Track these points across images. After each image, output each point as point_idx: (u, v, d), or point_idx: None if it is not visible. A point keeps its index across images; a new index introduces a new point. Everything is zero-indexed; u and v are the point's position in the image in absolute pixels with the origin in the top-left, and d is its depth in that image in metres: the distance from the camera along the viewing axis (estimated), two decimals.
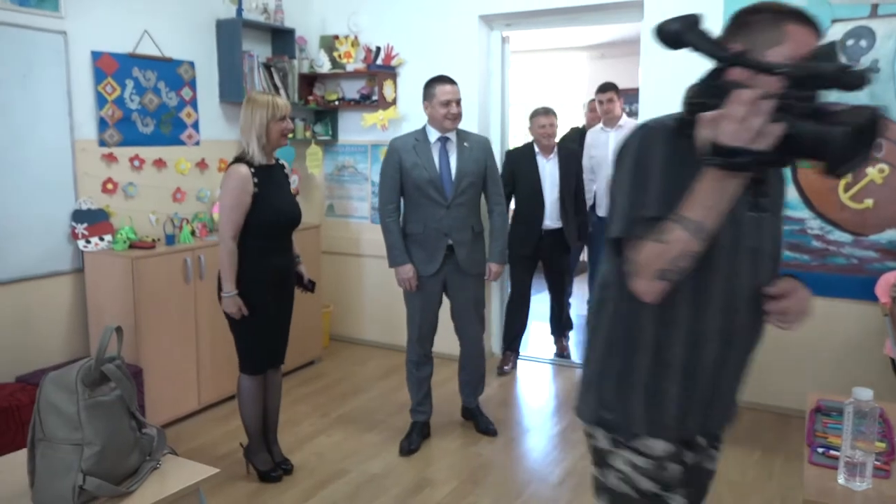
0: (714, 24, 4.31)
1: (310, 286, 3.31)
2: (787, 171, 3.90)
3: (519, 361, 4.92)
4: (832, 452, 1.78)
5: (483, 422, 3.74)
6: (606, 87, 5.11)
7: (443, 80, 3.38)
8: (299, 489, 3.17)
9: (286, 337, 3.27)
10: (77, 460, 1.61)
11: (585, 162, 5.07)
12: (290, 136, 4.90)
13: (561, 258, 4.78)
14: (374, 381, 4.49)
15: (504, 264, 3.68)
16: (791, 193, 3.92)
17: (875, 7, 3.68)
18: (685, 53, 4.57)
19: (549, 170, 4.58)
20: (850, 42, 3.74)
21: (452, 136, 3.41)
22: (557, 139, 4.74)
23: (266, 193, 2.97)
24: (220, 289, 3.00)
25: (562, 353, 5.06)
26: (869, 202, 3.77)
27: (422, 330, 3.51)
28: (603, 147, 5.04)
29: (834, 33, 3.76)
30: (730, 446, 3.60)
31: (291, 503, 3.06)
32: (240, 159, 2.97)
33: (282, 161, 3.21)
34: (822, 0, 3.76)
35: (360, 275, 5.17)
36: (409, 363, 3.59)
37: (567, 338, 5.19)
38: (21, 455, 1.79)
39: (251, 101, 2.97)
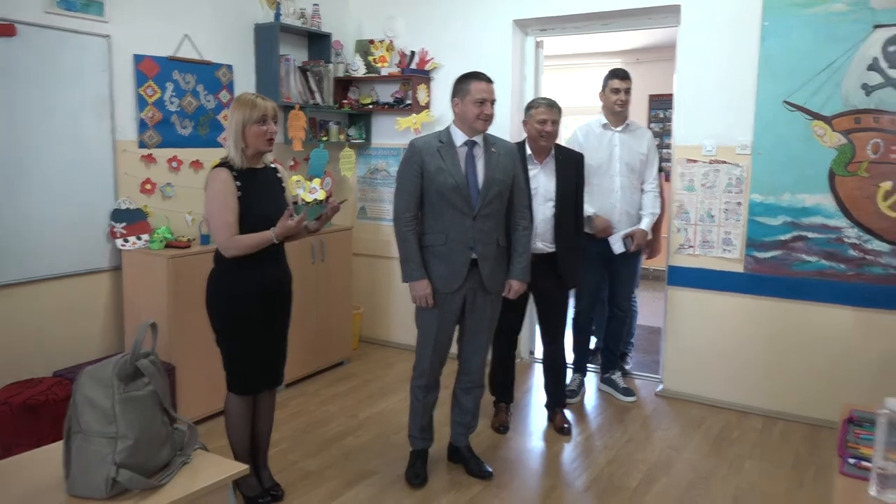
0: (752, 26, 4.24)
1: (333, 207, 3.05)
2: (825, 180, 3.84)
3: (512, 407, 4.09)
4: (864, 464, 1.75)
5: (475, 463, 3.36)
6: (627, 74, 4.17)
7: (479, 76, 3.08)
8: (326, 488, 3.20)
9: (283, 354, 3.04)
10: (111, 453, 1.65)
11: None
12: (324, 138, 5.02)
13: (553, 292, 3.76)
14: (403, 384, 4.50)
15: (526, 283, 3.29)
16: (828, 201, 3.86)
17: None
18: (722, 60, 4.55)
19: (542, 178, 3.65)
20: (891, 48, 3.67)
21: (480, 139, 3.13)
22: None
23: (251, 198, 2.78)
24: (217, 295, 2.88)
25: (560, 428, 3.87)
26: None
27: (436, 353, 3.19)
28: (604, 149, 4.11)
29: (876, 38, 3.69)
30: (761, 457, 3.57)
31: (319, 501, 3.09)
32: (222, 163, 2.80)
33: (274, 164, 3.00)
34: (864, 5, 3.70)
35: (391, 277, 5.20)
36: (415, 389, 3.26)
37: (565, 406, 4.01)
38: (56, 448, 1.84)
39: (234, 101, 2.84)
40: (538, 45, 4.90)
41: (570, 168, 3.72)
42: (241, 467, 1.88)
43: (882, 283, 3.77)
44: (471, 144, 3.12)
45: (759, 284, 4.07)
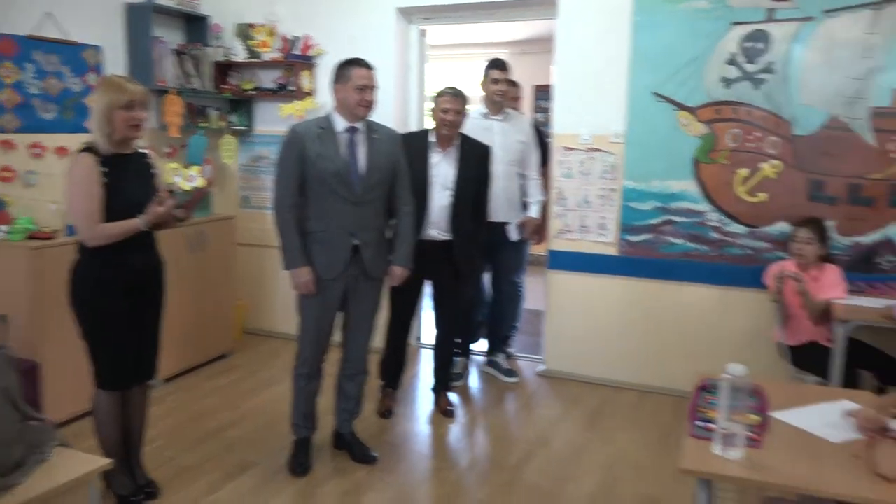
0: (624, 20, 4.41)
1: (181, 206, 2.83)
2: (690, 168, 4.08)
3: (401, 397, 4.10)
4: (710, 426, 1.88)
5: (360, 449, 3.37)
6: (506, 65, 4.22)
7: (359, 63, 3.06)
8: (204, 483, 3.13)
9: (155, 347, 2.94)
10: None
11: None
12: (204, 125, 4.86)
13: (447, 280, 3.79)
14: (288, 374, 4.39)
15: (409, 269, 3.33)
16: (692, 187, 4.10)
17: (771, 11, 3.88)
18: (597, 53, 4.73)
19: (443, 166, 3.67)
20: (747, 44, 3.93)
21: (362, 126, 3.12)
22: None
23: (118, 185, 2.66)
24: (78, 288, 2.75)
25: (445, 411, 3.94)
26: (763, 196, 3.98)
27: (318, 340, 3.18)
28: (484, 138, 3.95)
29: (734, 35, 3.95)
30: (633, 428, 3.76)
31: (198, 495, 3.01)
32: (87, 147, 2.66)
33: (144, 149, 2.84)
34: (723, 3, 3.94)
35: (276, 267, 5.06)
36: (298, 377, 3.24)
37: (450, 389, 4.10)
38: None
39: (100, 83, 2.70)
40: (422, 33, 4.93)
41: (473, 159, 3.73)
42: (101, 462, 1.81)
43: (740, 262, 4.05)
44: (352, 130, 3.11)
45: (631, 266, 4.29)
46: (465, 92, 3.73)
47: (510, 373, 4.48)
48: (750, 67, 3.94)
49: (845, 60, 3.76)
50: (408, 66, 4.89)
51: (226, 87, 4.97)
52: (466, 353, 4.57)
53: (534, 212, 4.29)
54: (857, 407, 2.06)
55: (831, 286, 3.50)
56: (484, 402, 4.18)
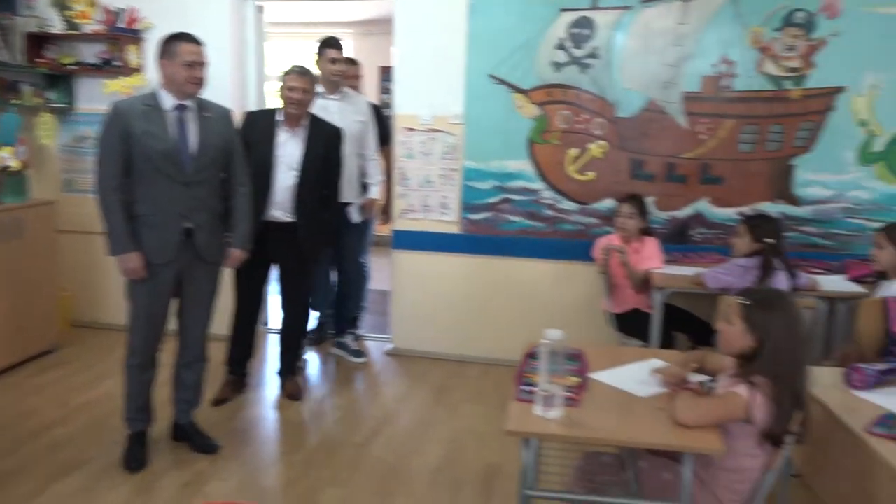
0: (460, 2, 4.49)
1: None
2: (525, 148, 4.26)
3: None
4: (533, 389, 1.99)
5: (200, 439, 3.26)
6: (340, 43, 4.15)
7: (187, 37, 2.94)
8: (26, 487, 2.91)
9: None
10: None
11: None
12: (16, 101, 4.45)
13: (293, 262, 3.75)
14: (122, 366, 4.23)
15: (247, 251, 3.25)
16: (528, 167, 4.29)
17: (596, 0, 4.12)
18: (435, 34, 4.81)
19: (289, 147, 3.61)
20: (574, 30, 4.14)
21: (191, 103, 2.99)
22: None
23: None
24: None
25: (291, 395, 3.88)
26: (591, 174, 4.24)
27: (150, 329, 3.04)
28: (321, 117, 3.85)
29: (562, 21, 4.14)
30: (477, 401, 3.91)
31: (18, 501, 2.80)
32: None
33: None
34: None
35: (105, 254, 4.79)
36: (130, 368, 3.08)
37: (300, 373, 4.05)
38: None
39: None
40: (259, 9, 4.78)
41: (321, 139, 3.68)
42: None
43: (573, 237, 4.30)
44: (181, 108, 2.98)
45: (473, 244, 4.42)
46: (314, 71, 3.68)
47: (358, 353, 4.50)
48: (577, 52, 4.16)
49: (660, 48, 4.07)
50: (245, 43, 4.73)
51: (41, 60, 4.58)
52: (314, 336, 4.55)
53: (374, 193, 4.29)
54: (664, 364, 2.26)
55: (650, 257, 3.79)
56: (331, 383, 4.18)
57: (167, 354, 3.21)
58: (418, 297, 4.55)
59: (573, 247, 4.27)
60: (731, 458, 1.96)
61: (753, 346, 1.96)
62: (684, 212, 4.18)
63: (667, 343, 3.63)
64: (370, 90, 7.45)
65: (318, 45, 4.16)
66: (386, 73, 7.92)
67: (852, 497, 1.97)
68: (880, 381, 2.20)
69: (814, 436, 2.13)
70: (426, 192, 4.45)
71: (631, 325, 3.79)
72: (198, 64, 2.95)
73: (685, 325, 3.78)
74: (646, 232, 3.90)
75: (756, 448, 1.96)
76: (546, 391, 1.91)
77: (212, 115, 3.07)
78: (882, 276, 3.13)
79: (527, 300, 4.39)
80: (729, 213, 4.10)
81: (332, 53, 4.11)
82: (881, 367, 2.24)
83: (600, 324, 3.99)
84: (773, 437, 1.92)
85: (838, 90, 3.93)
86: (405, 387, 4.12)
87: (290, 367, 3.98)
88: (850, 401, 2.12)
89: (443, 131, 4.37)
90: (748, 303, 1.99)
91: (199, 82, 2.97)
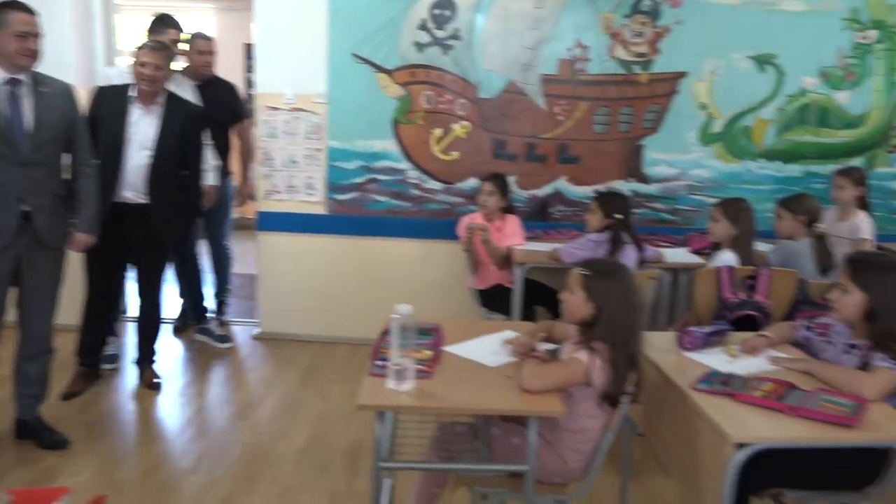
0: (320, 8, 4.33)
1: None
2: (390, 128, 4.28)
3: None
4: (387, 363, 2.03)
5: (47, 434, 3.07)
6: (175, 22, 4.04)
7: (18, 6, 2.77)
8: None
9: None
10: None
11: None
12: None
13: (147, 245, 3.58)
14: None
15: (93, 234, 3.11)
16: (393, 147, 4.31)
17: None
18: (296, 11, 4.67)
19: (142, 125, 3.42)
20: (436, 11, 4.18)
21: (25, 78, 2.80)
22: None
23: None
24: None
25: (150, 384, 3.72)
26: (455, 154, 4.32)
27: None
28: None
29: (424, 2, 4.17)
30: (345, 381, 3.91)
31: None
32: None
33: None
34: None
35: None
36: None
37: (150, 366, 3.79)
38: None
39: None
40: None
41: (178, 118, 3.50)
42: None
43: (438, 216, 4.37)
44: (14, 83, 2.79)
45: (340, 224, 4.41)
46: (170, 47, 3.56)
47: (223, 338, 4.39)
48: (439, 33, 4.20)
49: (518, 31, 4.18)
50: (91, 15, 4.44)
51: None
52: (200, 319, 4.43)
53: (209, 179, 4.03)
54: (515, 334, 2.36)
55: (512, 235, 3.92)
56: (195, 370, 4.06)
57: (8, 347, 3.00)
58: (285, 279, 4.48)
59: (439, 226, 4.34)
60: (574, 419, 2.08)
61: (593, 313, 2.08)
62: (544, 190, 4.35)
63: (528, 316, 3.78)
64: (235, 68, 7.20)
65: (151, 23, 4.00)
66: (250, 51, 7.69)
67: (680, 450, 2.14)
68: (707, 342, 2.39)
69: (650, 396, 2.30)
70: (291, 173, 4.38)
71: (494, 300, 3.91)
72: (31, 35, 2.78)
73: (545, 299, 3.94)
74: (508, 210, 4.02)
75: (596, 409, 2.09)
76: (398, 365, 1.94)
77: (49, 90, 2.89)
78: (718, 247, 3.40)
79: (394, 279, 4.43)
80: (586, 191, 4.30)
81: (171, 33, 3.96)
82: (708, 329, 2.44)
83: (466, 300, 4.09)
84: (610, 398, 2.06)
85: (681, 75, 4.20)
86: (272, 370, 4.07)
87: (148, 356, 3.82)
88: (681, 362, 2.29)
89: (306, 110, 4.31)
90: (588, 273, 2.11)
91: (32, 55, 2.80)
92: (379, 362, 2.09)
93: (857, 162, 4.18)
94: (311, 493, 2.84)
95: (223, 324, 4.61)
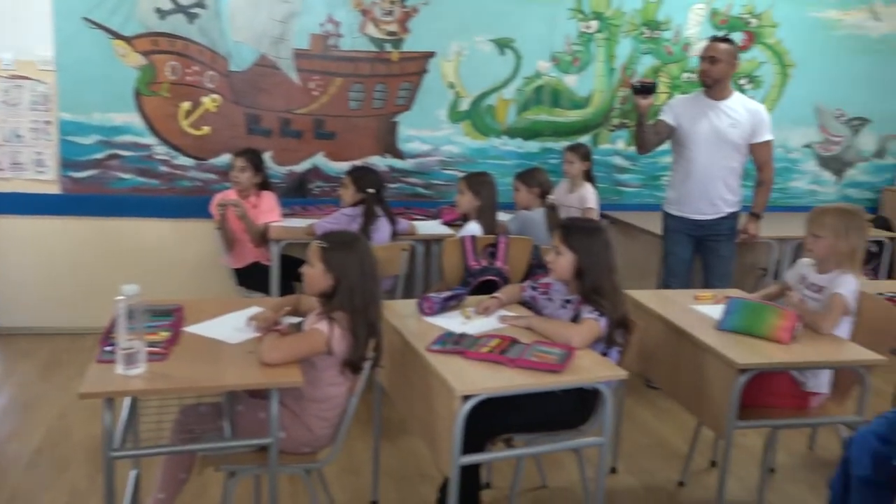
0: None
1: None
2: (132, 100, 4.00)
3: None
4: (115, 348, 1.92)
5: None
6: None
7: None
8: None
9: None
10: None
11: None
12: None
13: None
14: None
15: None
16: (137, 120, 4.03)
17: None
18: None
19: None
20: None
21: None
22: None
23: None
24: None
25: None
26: (206, 129, 4.15)
27: None
28: None
29: None
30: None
31: None
32: None
33: None
34: None
35: None
36: None
37: None
38: None
39: None
40: None
41: None
42: None
43: (191, 194, 4.18)
44: None
45: (79, 205, 4.05)
46: None
47: None
48: (182, 1, 3.99)
49: (268, 3, 4.10)
50: None
51: None
52: None
53: None
54: (260, 310, 2.35)
55: (268, 211, 3.87)
56: None
57: None
58: (19, 267, 4.05)
59: (192, 204, 4.15)
60: (318, 388, 2.13)
61: (332, 284, 2.13)
62: (302, 166, 4.33)
63: (287, 293, 3.75)
64: None
65: None
66: None
67: (419, 407, 2.27)
68: (445, 306, 2.55)
69: (394, 360, 2.42)
70: (15, 148, 3.94)
71: (251, 278, 3.84)
72: None
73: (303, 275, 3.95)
74: (263, 186, 3.95)
75: (339, 376, 2.15)
76: (126, 349, 1.85)
77: None
78: (467, 219, 3.63)
79: (145, 262, 4.17)
80: (343, 166, 4.33)
81: None
82: (445, 294, 2.60)
83: (224, 280, 3.97)
84: (352, 365, 2.13)
85: (430, 55, 4.39)
86: (4, 368, 3.66)
87: None
88: (421, 327, 2.42)
89: (31, 78, 3.89)
90: (325, 246, 2.15)
91: None
92: (107, 348, 1.98)
93: (584, 139, 4.65)
94: (48, 495, 2.63)
95: None
